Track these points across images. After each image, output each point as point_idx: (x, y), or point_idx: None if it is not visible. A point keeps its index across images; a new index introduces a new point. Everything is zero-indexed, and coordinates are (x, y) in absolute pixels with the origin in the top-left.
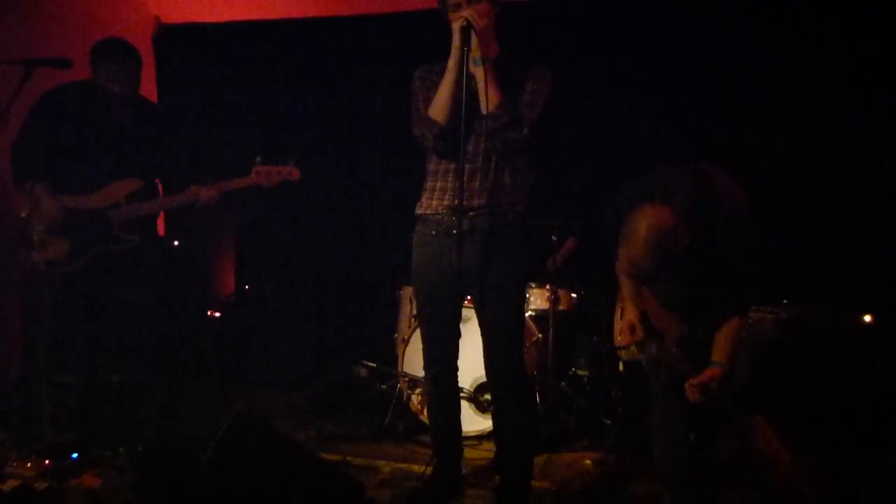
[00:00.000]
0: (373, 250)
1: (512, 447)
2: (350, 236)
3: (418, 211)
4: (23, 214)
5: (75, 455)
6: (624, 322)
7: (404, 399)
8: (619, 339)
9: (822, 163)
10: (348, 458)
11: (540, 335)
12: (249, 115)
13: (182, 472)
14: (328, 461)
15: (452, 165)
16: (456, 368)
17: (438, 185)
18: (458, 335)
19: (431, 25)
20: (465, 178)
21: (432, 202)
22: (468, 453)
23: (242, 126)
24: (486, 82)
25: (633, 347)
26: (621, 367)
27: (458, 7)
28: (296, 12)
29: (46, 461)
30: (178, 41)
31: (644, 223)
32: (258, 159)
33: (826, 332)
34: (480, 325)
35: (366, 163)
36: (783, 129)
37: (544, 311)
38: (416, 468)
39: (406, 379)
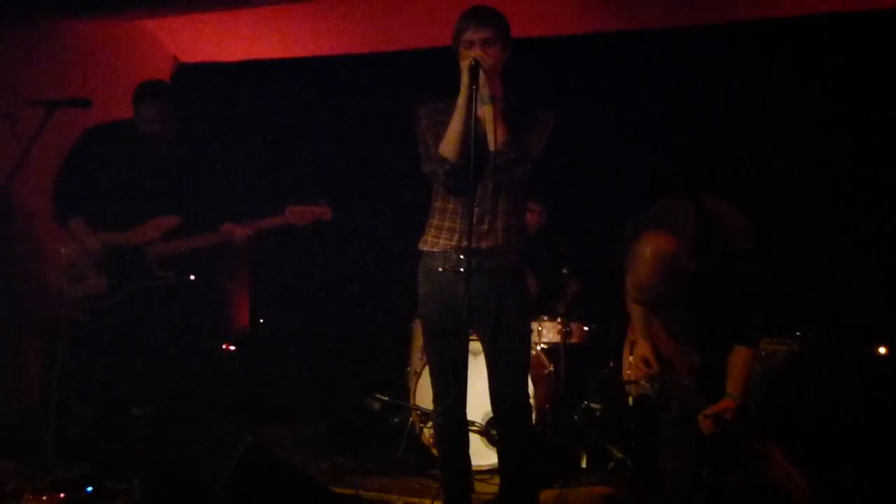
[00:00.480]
0: (386, 283)
1: (515, 482)
2: (363, 269)
3: (423, 247)
4: (62, 250)
5: (90, 489)
6: (636, 356)
7: (416, 432)
8: (630, 374)
9: (837, 192)
10: (360, 493)
11: (552, 368)
12: (266, 153)
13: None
14: (340, 494)
15: (460, 206)
16: (464, 402)
17: (446, 224)
18: (466, 369)
19: (440, 62)
20: (474, 221)
21: (439, 241)
22: (479, 487)
23: (258, 164)
24: (493, 119)
25: (642, 381)
26: (631, 402)
27: (471, 45)
28: (313, 51)
29: (62, 494)
30: (196, 80)
31: (648, 248)
32: (293, 200)
33: (840, 364)
34: (487, 359)
35: (378, 197)
36: (792, 159)
37: (556, 344)
38: (428, 502)
39: (418, 412)
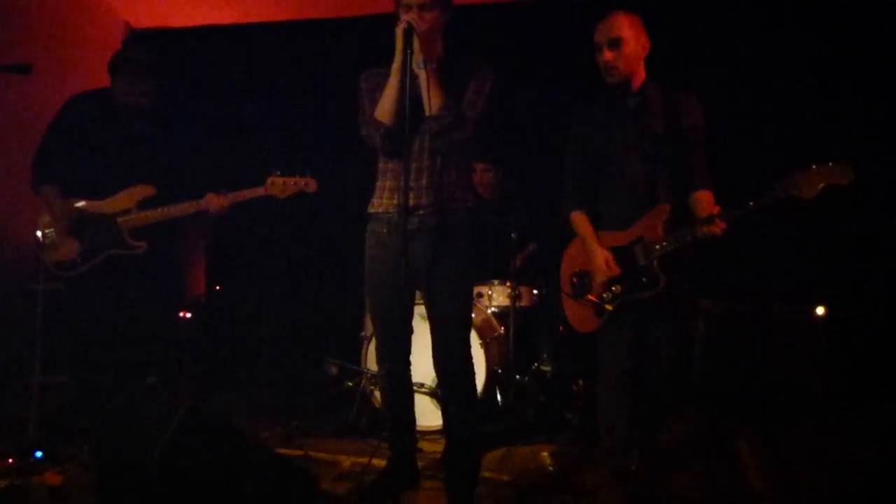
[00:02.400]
0: (342, 248)
1: (458, 440)
2: (319, 235)
3: (370, 210)
4: (39, 218)
5: (39, 454)
6: (597, 261)
7: (368, 395)
8: (603, 275)
9: (774, 158)
10: (309, 453)
11: (502, 331)
12: (219, 120)
13: (136, 468)
14: (280, 455)
15: (400, 164)
16: (409, 363)
17: (388, 184)
18: (411, 331)
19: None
20: (411, 177)
21: (383, 201)
22: (428, 447)
23: (212, 131)
24: (429, 84)
25: (607, 295)
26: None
27: (408, 9)
28: (265, 16)
29: (10, 459)
30: (148, 46)
31: (600, 30)
32: (277, 171)
33: (781, 324)
34: (429, 319)
35: (331, 163)
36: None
37: (506, 307)
38: (377, 462)
39: (369, 375)
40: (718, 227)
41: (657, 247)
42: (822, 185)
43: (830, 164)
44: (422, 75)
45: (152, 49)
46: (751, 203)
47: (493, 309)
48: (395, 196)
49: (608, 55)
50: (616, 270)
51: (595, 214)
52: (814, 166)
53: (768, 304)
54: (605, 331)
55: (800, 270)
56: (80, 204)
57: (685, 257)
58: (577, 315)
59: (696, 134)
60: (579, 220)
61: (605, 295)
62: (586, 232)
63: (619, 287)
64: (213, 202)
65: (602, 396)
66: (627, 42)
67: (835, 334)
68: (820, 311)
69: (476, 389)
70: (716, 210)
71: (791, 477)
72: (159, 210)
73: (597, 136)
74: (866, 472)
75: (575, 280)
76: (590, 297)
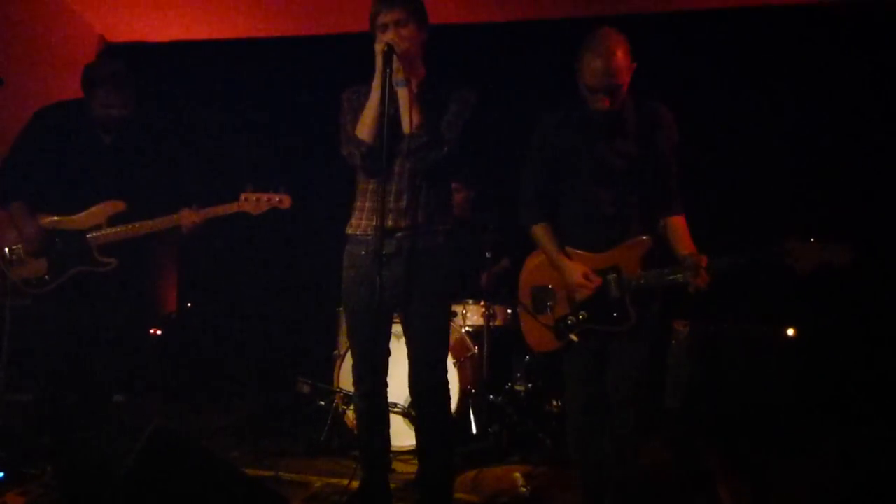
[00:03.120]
0: (314, 267)
1: (431, 460)
2: (292, 253)
3: (349, 231)
4: (4, 233)
5: (2, 474)
6: (573, 276)
7: (340, 414)
8: (581, 293)
9: (744, 177)
10: (280, 474)
11: (475, 350)
12: (193, 135)
13: (101, 489)
14: (250, 476)
15: (380, 186)
16: (385, 385)
17: (367, 204)
18: (387, 353)
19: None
20: (391, 199)
21: (361, 222)
22: (401, 468)
23: (186, 146)
24: (408, 103)
25: (571, 320)
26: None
27: (385, 28)
28: (242, 32)
29: None
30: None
31: (611, 33)
32: (249, 186)
33: (754, 344)
34: (406, 341)
35: (307, 182)
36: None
37: (480, 327)
38: (347, 483)
39: (341, 395)
40: (704, 282)
41: (633, 282)
42: (819, 262)
43: (831, 243)
44: (402, 94)
45: (126, 62)
46: (741, 261)
47: (466, 328)
48: (375, 217)
49: (613, 77)
50: (598, 281)
51: (557, 229)
52: (812, 240)
53: (740, 326)
54: (567, 356)
55: (770, 292)
56: (49, 219)
57: (658, 293)
58: (534, 333)
59: (670, 153)
60: (542, 233)
61: (569, 320)
62: (552, 247)
63: (585, 314)
64: (186, 218)
65: (570, 424)
66: (624, 65)
67: (805, 354)
68: (790, 332)
69: (450, 410)
70: (703, 262)
71: (763, 498)
72: (130, 226)
73: (563, 158)
74: (838, 492)
75: (534, 294)
76: (547, 320)
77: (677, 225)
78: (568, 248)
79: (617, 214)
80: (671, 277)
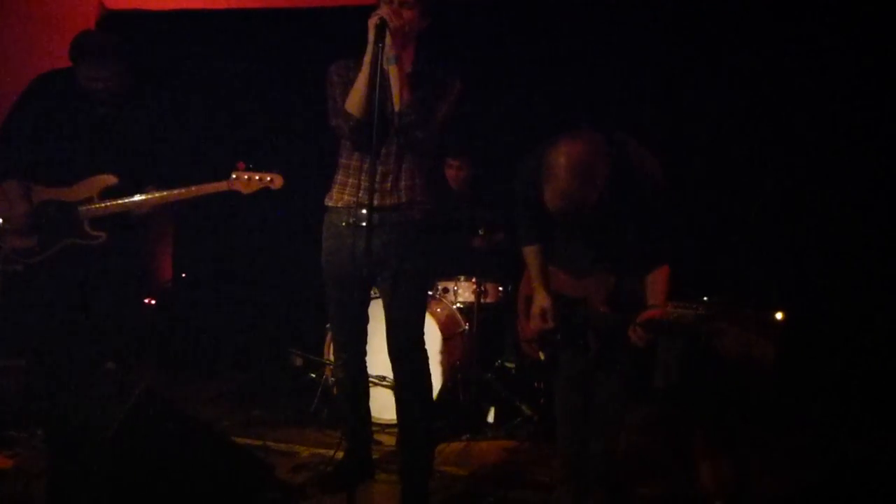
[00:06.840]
0: (308, 239)
1: (411, 429)
2: (288, 224)
3: (328, 202)
4: None
5: None
6: (535, 307)
7: (329, 386)
8: (527, 331)
9: (738, 162)
10: (268, 443)
11: (466, 326)
12: (192, 106)
13: (89, 452)
14: (236, 443)
15: (365, 163)
16: (364, 353)
17: (350, 180)
18: (366, 321)
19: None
20: (378, 179)
21: (343, 196)
22: (385, 439)
23: (181, 118)
24: (398, 80)
25: (535, 343)
26: (542, 357)
27: (389, 2)
28: (241, 2)
29: None
30: (122, 28)
31: (563, 152)
32: (251, 165)
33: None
34: (385, 312)
35: (300, 154)
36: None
37: (471, 303)
38: (332, 453)
39: (331, 366)
40: (635, 335)
41: (592, 318)
42: (740, 354)
43: (753, 334)
44: (392, 70)
45: (117, 32)
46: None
47: (458, 305)
48: (357, 194)
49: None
50: (549, 325)
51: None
52: (737, 328)
53: (727, 307)
54: (553, 365)
55: (758, 274)
56: (43, 192)
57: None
58: (525, 336)
59: (651, 201)
60: (530, 255)
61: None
62: (535, 272)
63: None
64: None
65: (559, 429)
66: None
67: (793, 338)
68: (779, 315)
69: (430, 381)
70: (649, 314)
71: (745, 478)
72: (121, 200)
73: (540, 215)
74: (819, 472)
75: (526, 303)
76: (531, 331)
77: (656, 277)
78: (551, 268)
79: (594, 255)
80: (622, 324)
